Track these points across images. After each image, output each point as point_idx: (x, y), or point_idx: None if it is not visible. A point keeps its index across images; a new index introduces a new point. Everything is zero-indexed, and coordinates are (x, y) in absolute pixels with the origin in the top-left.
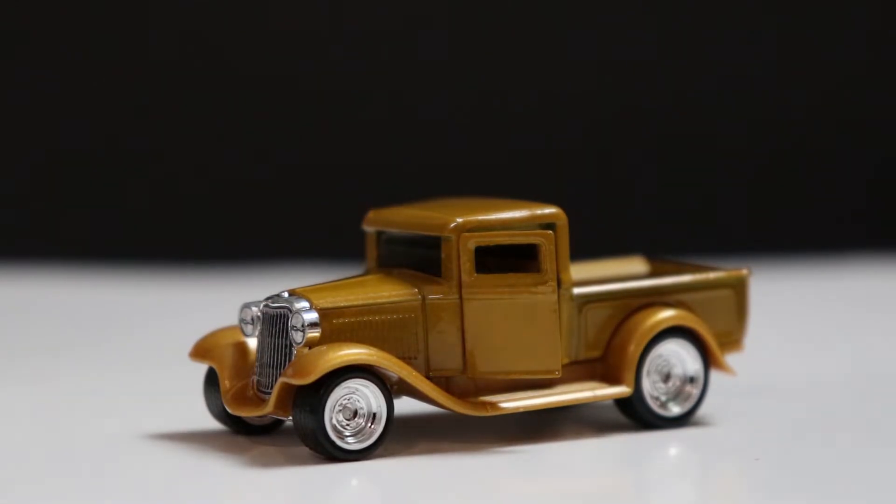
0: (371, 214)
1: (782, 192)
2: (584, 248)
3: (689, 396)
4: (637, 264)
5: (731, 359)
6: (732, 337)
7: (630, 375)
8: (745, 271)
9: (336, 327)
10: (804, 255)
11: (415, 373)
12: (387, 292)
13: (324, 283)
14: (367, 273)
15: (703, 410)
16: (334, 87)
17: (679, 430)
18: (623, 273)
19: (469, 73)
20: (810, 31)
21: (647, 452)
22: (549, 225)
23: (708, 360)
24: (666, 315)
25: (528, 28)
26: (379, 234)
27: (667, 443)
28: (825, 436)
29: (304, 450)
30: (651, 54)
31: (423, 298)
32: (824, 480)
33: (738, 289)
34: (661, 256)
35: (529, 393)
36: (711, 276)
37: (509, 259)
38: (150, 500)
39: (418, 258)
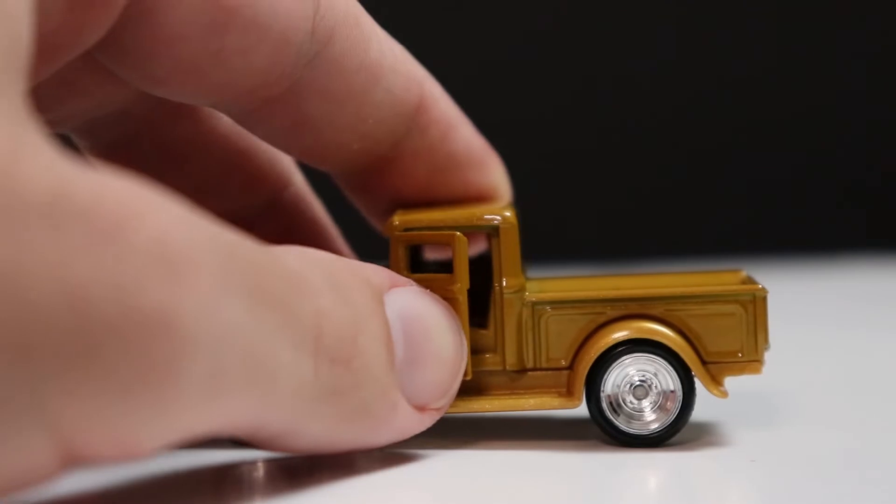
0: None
1: (782, 192)
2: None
3: (667, 413)
4: (732, 277)
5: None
6: (742, 357)
7: (579, 388)
8: (759, 287)
9: None
10: (804, 256)
11: None
12: None
13: None
14: None
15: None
16: None
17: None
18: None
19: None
20: (810, 32)
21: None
22: (492, 229)
23: (689, 377)
24: (628, 329)
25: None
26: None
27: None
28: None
29: None
30: (655, 57)
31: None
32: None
33: (749, 305)
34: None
35: (471, 396)
36: (706, 289)
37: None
38: None
39: None
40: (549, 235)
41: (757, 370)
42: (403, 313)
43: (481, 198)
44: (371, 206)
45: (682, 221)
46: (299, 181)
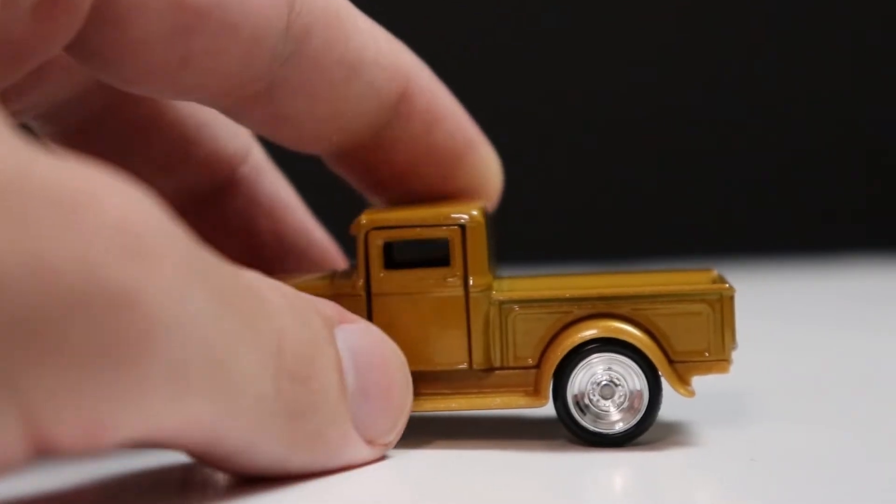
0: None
1: (782, 192)
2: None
3: (634, 413)
4: (702, 276)
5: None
6: (709, 357)
7: (545, 387)
8: (726, 286)
9: None
10: (804, 256)
11: None
12: (302, 286)
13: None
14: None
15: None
16: None
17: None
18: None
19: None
20: (810, 33)
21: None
22: (459, 227)
23: (656, 376)
24: (595, 328)
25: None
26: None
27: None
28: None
29: None
30: (649, 60)
31: (334, 294)
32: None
33: (717, 304)
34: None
35: (438, 395)
36: (673, 288)
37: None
38: None
39: None
40: (545, 234)
41: (724, 369)
42: (354, 347)
43: (464, 191)
44: (356, 183)
45: (681, 221)
46: (258, 155)
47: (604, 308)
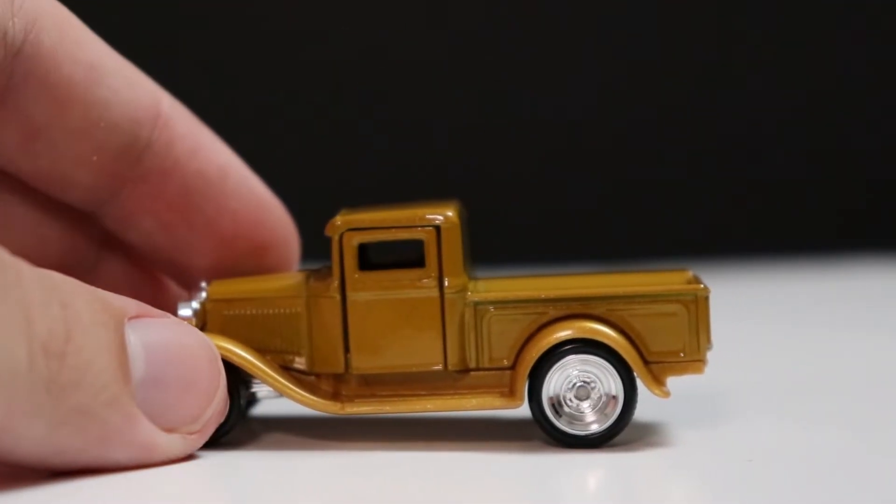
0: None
1: (782, 192)
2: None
3: (610, 414)
4: (677, 277)
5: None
6: (684, 357)
7: (520, 388)
8: (701, 286)
9: (227, 318)
10: (804, 256)
11: (264, 367)
12: (276, 286)
13: (246, 278)
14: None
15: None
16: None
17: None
18: (617, 284)
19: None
20: (810, 33)
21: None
22: (434, 228)
23: (631, 377)
24: (570, 329)
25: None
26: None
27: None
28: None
29: None
30: (648, 56)
31: (308, 296)
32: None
33: (692, 305)
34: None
35: (405, 398)
36: (648, 289)
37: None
38: None
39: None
40: (525, 235)
41: (699, 370)
42: (148, 339)
43: (247, 234)
44: (142, 244)
45: (681, 221)
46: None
47: (579, 309)
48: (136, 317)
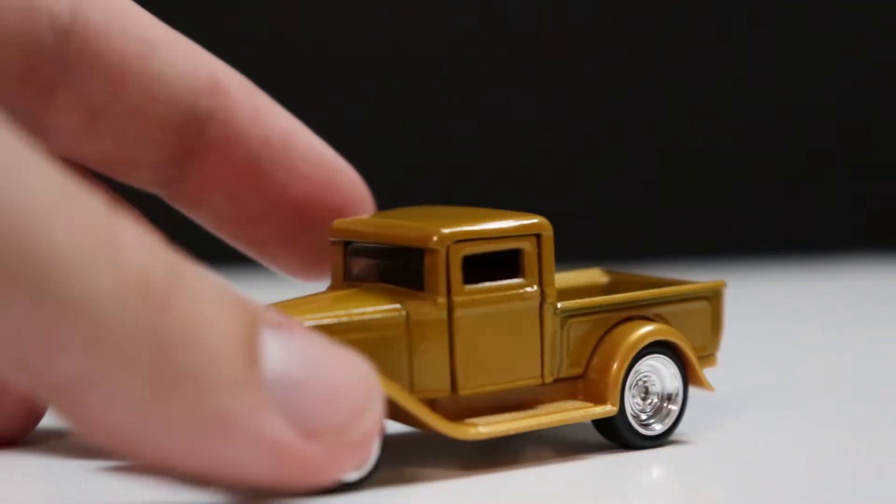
0: (337, 224)
1: (781, 192)
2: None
3: (668, 413)
4: (596, 275)
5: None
6: (707, 352)
7: (615, 394)
8: (721, 282)
9: None
10: (804, 256)
11: (406, 393)
12: (371, 309)
13: (301, 298)
14: (334, 287)
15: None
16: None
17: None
18: (585, 284)
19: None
20: (810, 34)
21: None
22: (535, 236)
23: (687, 375)
24: (648, 330)
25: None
26: (346, 244)
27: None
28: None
29: None
30: (648, 63)
31: (408, 315)
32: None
33: (715, 301)
34: (614, 268)
35: (515, 415)
36: (689, 287)
37: (482, 271)
38: None
39: (391, 271)
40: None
41: (714, 363)
42: (288, 343)
43: (319, 197)
44: (214, 221)
45: (680, 221)
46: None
47: (636, 312)
48: (277, 325)
